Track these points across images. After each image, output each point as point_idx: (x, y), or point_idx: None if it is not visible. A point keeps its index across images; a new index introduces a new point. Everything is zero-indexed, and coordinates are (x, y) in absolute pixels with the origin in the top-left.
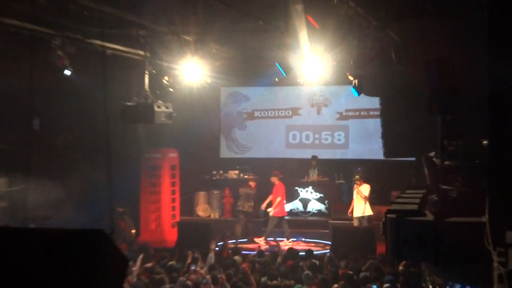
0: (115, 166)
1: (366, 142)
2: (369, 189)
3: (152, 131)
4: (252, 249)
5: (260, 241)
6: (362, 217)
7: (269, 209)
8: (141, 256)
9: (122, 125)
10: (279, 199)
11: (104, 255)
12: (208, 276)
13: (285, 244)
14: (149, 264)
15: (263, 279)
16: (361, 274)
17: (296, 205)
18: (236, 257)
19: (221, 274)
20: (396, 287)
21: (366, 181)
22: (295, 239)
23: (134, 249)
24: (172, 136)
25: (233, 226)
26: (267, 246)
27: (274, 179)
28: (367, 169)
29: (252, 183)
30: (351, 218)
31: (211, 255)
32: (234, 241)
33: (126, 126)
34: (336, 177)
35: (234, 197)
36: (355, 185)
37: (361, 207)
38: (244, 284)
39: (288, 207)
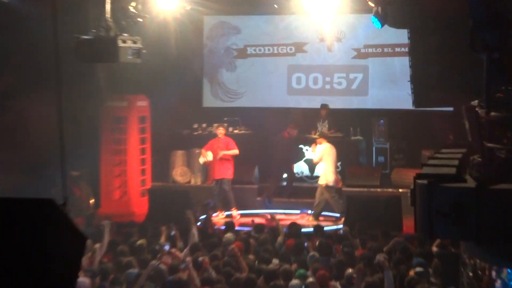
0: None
1: (391, 87)
2: (333, 153)
3: (115, 73)
4: (246, 225)
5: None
6: (326, 187)
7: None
8: (107, 231)
9: (76, 65)
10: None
11: (54, 231)
12: (188, 259)
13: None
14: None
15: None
16: (379, 256)
17: (301, 167)
18: (228, 235)
19: (205, 256)
20: (427, 272)
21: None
22: (299, 212)
23: (93, 224)
24: (142, 80)
25: (221, 194)
26: (264, 221)
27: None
28: (391, 122)
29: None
30: (374, 185)
31: (194, 231)
32: (220, 213)
33: (81, 66)
34: (351, 132)
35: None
36: (313, 145)
37: (323, 174)
38: (232, 268)
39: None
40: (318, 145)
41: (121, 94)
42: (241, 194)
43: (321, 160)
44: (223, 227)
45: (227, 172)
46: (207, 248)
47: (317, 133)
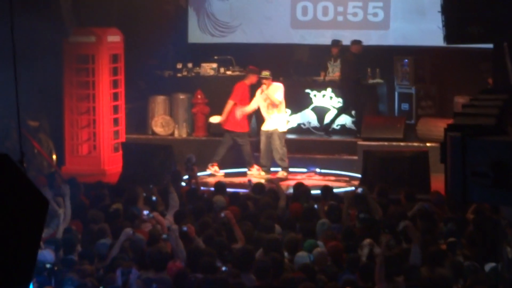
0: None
1: (417, 19)
2: (282, 90)
3: (81, 2)
4: (240, 186)
5: (252, 174)
6: (272, 133)
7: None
8: (67, 194)
9: None
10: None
11: (9, 192)
12: (174, 226)
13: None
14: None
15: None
16: (404, 224)
17: (307, 117)
18: (218, 197)
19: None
20: (460, 243)
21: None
22: (306, 170)
23: (55, 184)
24: (113, 10)
25: (210, 148)
26: (262, 181)
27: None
28: (418, 62)
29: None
30: (397, 138)
31: (173, 194)
32: (210, 172)
33: None
34: (369, 74)
35: (211, 104)
36: (261, 88)
37: (270, 118)
38: (226, 238)
39: (294, 119)
40: (272, 85)
41: (88, 27)
42: (236, 148)
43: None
44: (212, 189)
45: (243, 124)
46: (193, 215)
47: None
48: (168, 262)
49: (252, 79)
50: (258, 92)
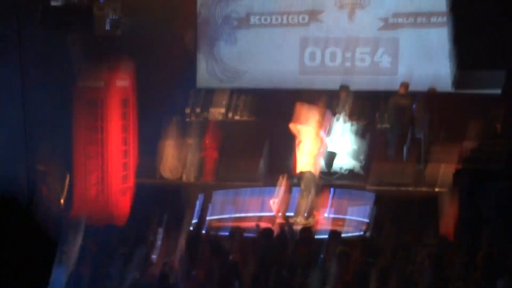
0: (32, 101)
1: (425, 64)
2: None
3: (91, 47)
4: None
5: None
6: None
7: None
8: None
9: (43, 37)
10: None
11: (18, 236)
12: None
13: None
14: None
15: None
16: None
17: None
18: (224, 242)
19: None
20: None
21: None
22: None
23: (63, 228)
24: (123, 55)
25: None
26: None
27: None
28: (426, 107)
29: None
30: (406, 183)
31: (181, 238)
32: (219, 216)
33: (49, 37)
34: (377, 118)
35: (221, 149)
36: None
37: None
38: (233, 279)
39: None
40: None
41: (97, 73)
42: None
43: None
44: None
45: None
46: (201, 258)
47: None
48: None
49: None
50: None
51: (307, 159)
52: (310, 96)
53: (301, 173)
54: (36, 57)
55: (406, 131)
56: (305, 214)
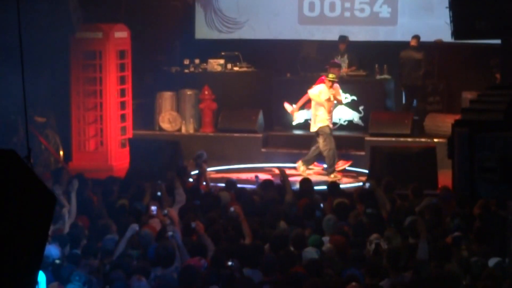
0: (29, 51)
1: (425, 14)
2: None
3: None
4: (247, 181)
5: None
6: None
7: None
8: (74, 190)
9: None
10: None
11: (16, 188)
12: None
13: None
14: None
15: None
16: (410, 219)
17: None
18: (224, 193)
19: (198, 220)
20: (468, 238)
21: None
22: (313, 166)
23: (62, 180)
24: (120, 6)
25: (217, 144)
26: (270, 177)
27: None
28: (426, 58)
29: None
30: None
31: (180, 190)
32: (218, 168)
33: None
34: (377, 69)
35: (218, 100)
36: (329, 83)
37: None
38: (234, 233)
39: (301, 116)
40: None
41: (94, 23)
42: (243, 144)
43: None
44: (220, 185)
45: None
46: (200, 210)
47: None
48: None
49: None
50: (323, 89)
51: (324, 115)
52: (309, 47)
53: (320, 128)
54: (35, 8)
55: (419, 83)
56: (329, 168)
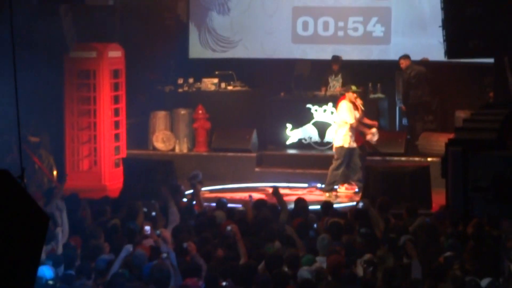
0: (24, 71)
1: (418, 34)
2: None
3: (82, 17)
4: (240, 201)
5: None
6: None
7: None
8: (64, 210)
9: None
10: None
11: (9, 208)
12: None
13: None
14: None
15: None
16: (405, 238)
17: (308, 132)
18: (219, 213)
19: (191, 240)
20: (462, 257)
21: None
22: (307, 185)
23: (56, 200)
24: (114, 25)
25: (211, 164)
26: (264, 196)
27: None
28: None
29: None
30: (398, 152)
31: (173, 209)
32: (212, 188)
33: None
34: (370, 88)
35: (212, 120)
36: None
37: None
38: (229, 252)
39: (296, 134)
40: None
41: (89, 43)
42: (237, 163)
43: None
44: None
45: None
46: (194, 230)
47: (330, 89)
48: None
49: None
50: (350, 106)
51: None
52: (303, 66)
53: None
54: (28, 28)
55: (425, 100)
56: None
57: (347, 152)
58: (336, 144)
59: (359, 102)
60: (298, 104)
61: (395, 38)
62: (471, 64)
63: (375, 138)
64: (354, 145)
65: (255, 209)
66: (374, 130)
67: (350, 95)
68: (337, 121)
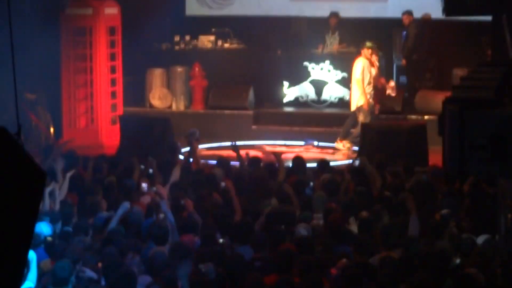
0: (19, 26)
1: None
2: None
3: None
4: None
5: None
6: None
7: None
8: (59, 166)
9: None
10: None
11: (6, 165)
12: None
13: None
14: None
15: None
16: (401, 195)
17: (305, 90)
18: (216, 171)
19: (187, 197)
20: (458, 215)
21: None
22: (303, 143)
23: (53, 157)
24: None
25: (208, 121)
26: (261, 154)
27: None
28: (417, 34)
29: None
30: (395, 110)
31: (176, 168)
32: (210, 146)
33: None
34: None
35: (209, 77)
36: (369, 50)
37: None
38: (224, 209)
39: (292, 92)
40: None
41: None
42: (234, 121)
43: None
44: (211, 162)
45: None
46: (192, 187)
47: (367, 43)
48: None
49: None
50: (366, 66)
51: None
52: (299, 24)
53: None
54: None
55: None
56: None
57: (366, 112)
58: (354, 104)
59: (374, 58)
60: (295, 62)
61: None
62: (468, 22)
63: (394, 93)
64: (372, 103)
65: (251, 167)
66: (392, 84)
67: (365, 51)
68: (352, 81)
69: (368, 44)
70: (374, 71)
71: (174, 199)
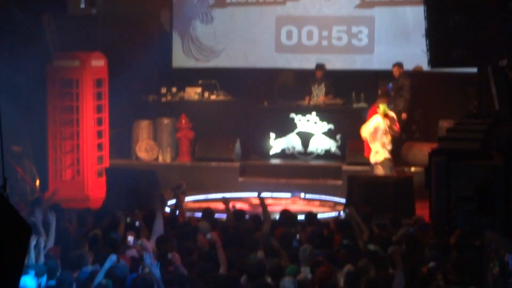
0: (6, 80)
1: (401, 43)
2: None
3: (65, 26)
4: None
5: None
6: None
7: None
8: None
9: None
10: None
11: None
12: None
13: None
14: None
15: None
16: (390, 248)
17: (292, 142)
18: (202, 223)
19: (174, 249)
20: (445, 267)
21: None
22: (290, 195)
23: (40, 210)
24: (97, 34)
25: (194, 173)
26: (248, 207)
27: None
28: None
29: None
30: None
31: (159, 220)
32: (196, 198)
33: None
34: (354, 98)
35: (196, 129)
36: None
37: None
38: (210, 262)
39: (279, 144)
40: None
41: (71, 52)
42: (220, 173)
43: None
44: (197, 215)
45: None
46: (177, 239)
47: (314, 98)
48: None
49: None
50: (379, 122)
51: (383, 148)
52: (286, 75)
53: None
54: (11, 36)
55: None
56: None
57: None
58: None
59: (386, 122)
60: (281, 113)
61: (378, 48)
62: (454, 73)
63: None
64: (379, 159)
65: (236, 220)
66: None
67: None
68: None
69: (382, 107)
70: (382, 126)
71: (161, 252)
